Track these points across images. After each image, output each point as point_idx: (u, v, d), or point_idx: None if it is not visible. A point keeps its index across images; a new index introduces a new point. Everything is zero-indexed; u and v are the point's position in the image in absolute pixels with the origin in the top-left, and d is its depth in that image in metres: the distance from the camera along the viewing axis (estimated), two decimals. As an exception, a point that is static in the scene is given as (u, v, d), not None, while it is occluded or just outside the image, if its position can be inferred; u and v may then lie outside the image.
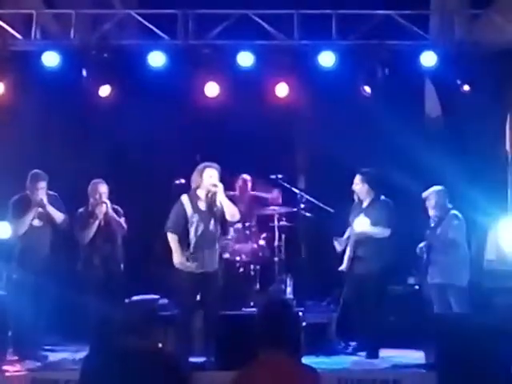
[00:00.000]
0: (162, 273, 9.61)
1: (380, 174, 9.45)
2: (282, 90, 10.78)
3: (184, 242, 8.60)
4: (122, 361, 4.75)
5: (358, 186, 9.42)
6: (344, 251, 9.34)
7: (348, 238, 9.38)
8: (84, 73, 10.49)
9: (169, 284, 9.10)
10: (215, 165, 8.72)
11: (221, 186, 8.58)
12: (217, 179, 8.61)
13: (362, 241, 9.21)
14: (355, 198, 9.54)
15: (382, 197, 9.36)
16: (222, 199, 8.60)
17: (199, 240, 8.56)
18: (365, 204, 9.41)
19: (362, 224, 9.20)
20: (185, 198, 8.70)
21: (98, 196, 9.23)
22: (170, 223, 8.64)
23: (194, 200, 8.65)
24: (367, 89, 10.64)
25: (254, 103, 10.73)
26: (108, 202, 9.20)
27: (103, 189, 9.26)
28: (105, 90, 10.65)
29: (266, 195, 10.97)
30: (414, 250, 9.43)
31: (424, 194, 9.37)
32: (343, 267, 9.29)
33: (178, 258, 8.53)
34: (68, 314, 9.36)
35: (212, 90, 10.77)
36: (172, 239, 8.58)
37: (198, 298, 8.73)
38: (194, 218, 8.59)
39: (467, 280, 9.17)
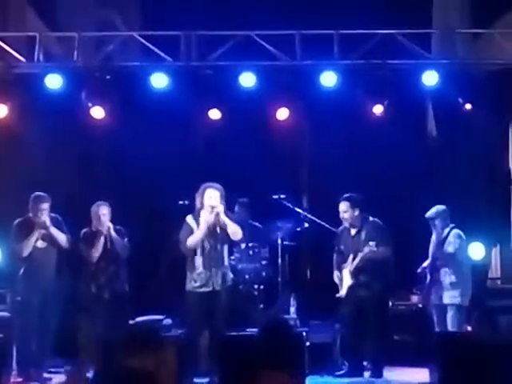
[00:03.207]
0: (165, 293, 9.64)
1: (362, 196, 9.36)
2: (283, 110, 10.82)
3: (191, 262, 8.62)
4: (126, 382, 4.73)
5: (347, 212, 9.19)
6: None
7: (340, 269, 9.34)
8: (83, 95, 10.55)
9: (175, 304, 9.10)
10: (217, 185, 8.70)
11: (221, 206, 8.58)
12: (217, 200, 8.59)
13: (364, 267, 9.09)
14: (346, 224, 9.32)
15: (370, 218, 9.28)
16: (223, 219, 8.61)
17: (206, 259, 8.57)
18: (354, 230, 9.25)
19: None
20: (190, 219, 8.72)
21: (100, 218, 9.23)
22: (183, 242, 8.65)
23: (198, 221, 8.66)
24: (377, 108, 10.66)
25: (256, 123, 10.78)
26: (111, 224, 9.21)
27: (105, 211, 9.26)
28: (106, 111, 10.71)
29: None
30: (416, 267, 9.41)
31: (427, 214, 9.34)
32: (341, 294, 9.24)
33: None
34: (72, 335, 9.35)
35: (214, 111, 10.84)
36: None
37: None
38: None
39: (469, 299, 9.17)
